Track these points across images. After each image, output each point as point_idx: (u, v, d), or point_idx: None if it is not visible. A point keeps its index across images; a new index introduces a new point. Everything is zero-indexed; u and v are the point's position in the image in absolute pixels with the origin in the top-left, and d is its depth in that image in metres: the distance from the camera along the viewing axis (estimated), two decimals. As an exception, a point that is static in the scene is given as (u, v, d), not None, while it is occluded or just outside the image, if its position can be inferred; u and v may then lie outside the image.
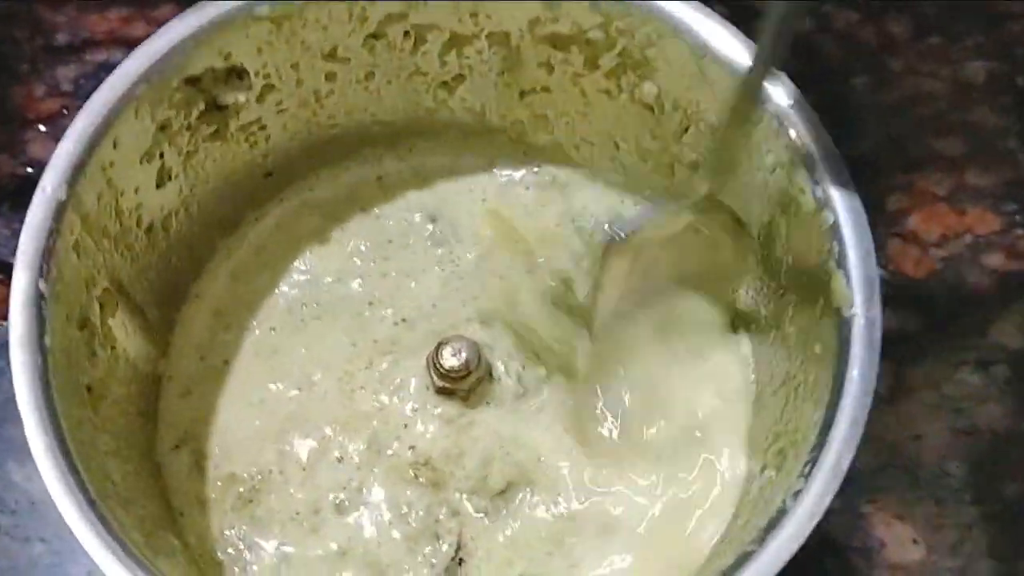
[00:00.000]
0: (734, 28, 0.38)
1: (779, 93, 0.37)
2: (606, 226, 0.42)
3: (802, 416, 0.36)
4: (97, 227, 0.37)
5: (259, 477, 0.41)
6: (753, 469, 0.40)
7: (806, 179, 0.37)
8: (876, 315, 0.35)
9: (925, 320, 0.47)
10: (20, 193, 0.47)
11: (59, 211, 0.35)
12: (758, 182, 0.39)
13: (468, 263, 0.45)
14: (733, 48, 0.38)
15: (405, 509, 0.40)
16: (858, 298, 0.35)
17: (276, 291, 0.44)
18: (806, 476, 0.33)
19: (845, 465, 0.33)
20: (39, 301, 0.34)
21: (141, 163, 0.39)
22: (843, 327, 0.35)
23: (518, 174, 0.47)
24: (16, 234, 0.45)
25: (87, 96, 0.47)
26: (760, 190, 0.39)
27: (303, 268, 0.45)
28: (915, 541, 0.45)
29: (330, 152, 0.46)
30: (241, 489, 0.41)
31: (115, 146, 0.37)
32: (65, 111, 0.50)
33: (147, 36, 0.37)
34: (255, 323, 0.44)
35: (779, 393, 0.40)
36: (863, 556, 0.45)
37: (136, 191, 0.39)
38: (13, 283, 0.34)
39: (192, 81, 0.39)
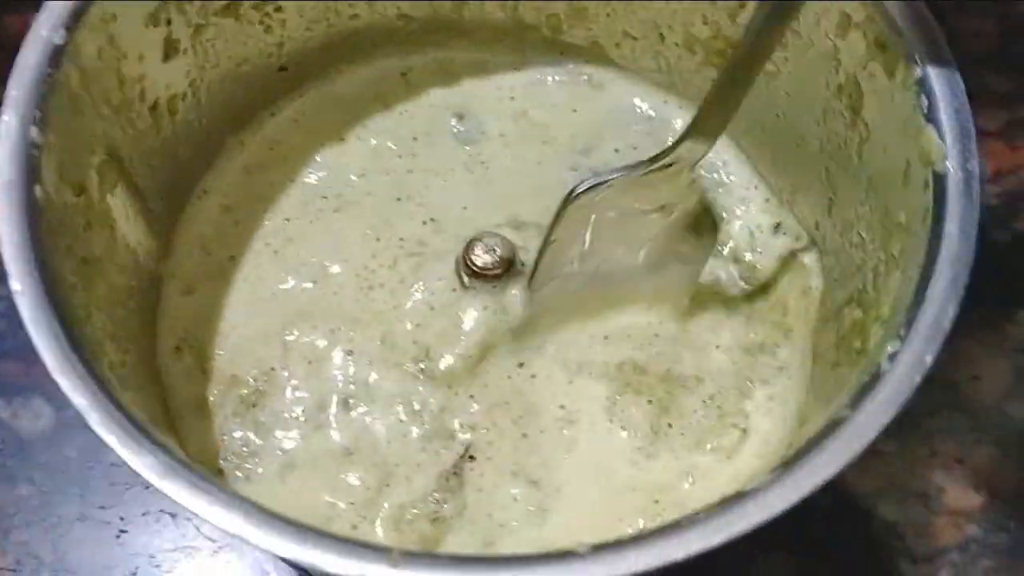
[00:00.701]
0: None
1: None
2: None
3: (887, 291, 0.32)
4: (97, 87, 0.33)
5: (263, 379, 0.37)
6: (821, 369, 0.36)
7: (888, 31, 0.33)
8: (974, 168, 0.31)
9: (981, 258, 0.44)
10: None
11: (55, 56, 0.31)
12: (820, 50, 0.36)
13: (498, 164, 0.41)
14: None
15: (417, 406, 0.36)
16: (953, 151, 0.31)
17: (292, 183, 0.40)
18: (902, 338, 0.29)
19: (947, 325, 0.29)
20: (30, 148, 0.30)
21: (146, 26, 0.35)
22: (937, 183, 0.31)
23: (551, 74, 0.43)
24: None
25: None
26: (824, 58, 0.36)
27: (323, 162, 0.41)
28: (976, 488, 0.42)
29: (349, 47, 0.42)
30: (244, 391, 0.37)
31: (117, -6, 0.33)
32: None
33: None
34: (267, 216, 0.40)
35: (849, 284, 0.36)
36: (923, 502, 0.42)
37: (140, 59, 0.35)
38: (2, 126, 0.30)
39: (203, -64, 0.35)
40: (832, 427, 0.28)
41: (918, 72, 0.32)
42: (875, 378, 0.29)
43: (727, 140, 0.42)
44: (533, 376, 0.37)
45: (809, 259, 0.39)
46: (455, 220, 0.40)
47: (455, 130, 0.42)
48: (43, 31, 0.31)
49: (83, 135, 0.33)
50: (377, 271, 0.39)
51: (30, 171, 0.30)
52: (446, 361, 0.37)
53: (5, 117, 0.30)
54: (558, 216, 0.36)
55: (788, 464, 0.27)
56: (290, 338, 0.38)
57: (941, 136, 0.31)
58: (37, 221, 0.29)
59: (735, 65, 0.32)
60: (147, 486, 0.26)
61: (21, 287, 0.28)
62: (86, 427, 0.26)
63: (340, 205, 0.40)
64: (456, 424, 0.36)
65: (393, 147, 0.42)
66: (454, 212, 0.40)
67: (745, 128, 0.41)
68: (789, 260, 0.39)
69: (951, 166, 0.31)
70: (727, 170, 0.42)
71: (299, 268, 0.39)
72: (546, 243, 0.37)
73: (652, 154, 0.36)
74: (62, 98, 0.32)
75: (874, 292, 0.33)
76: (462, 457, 0.36)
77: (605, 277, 0.38)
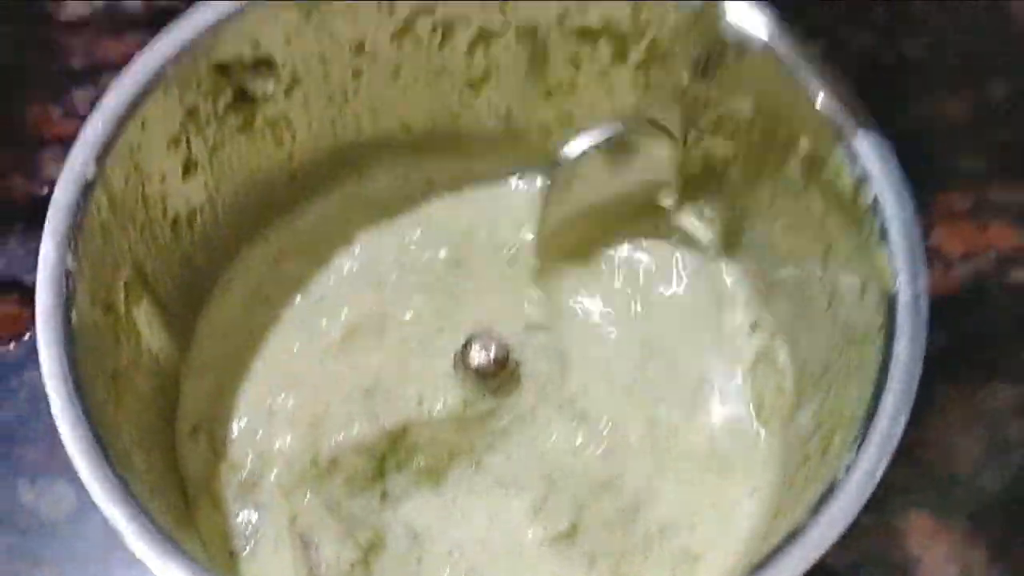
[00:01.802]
0: (771, 11, 0.37)
1: (814, 74, 0.37)
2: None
3: (847, 398, 0.35)
4: (124, 211, 0.36)
5: (257, 459, 0.40)
6: (793, 462, 0.39)
7: (844, 155, 0.36)
8: (922, 289, 0.34)
9: (953, 335, 0.47)
10: (35, 213, 0.45)
11: (87, 188, 0.34)
12: (791, 172, 0.39)
13: (497, 273, 0.44)
14: (768, 31, 0.37)
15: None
16: (903, 273, 0.34)
17: (323, 270, 0.44)
18: (857, 449, 0.32)
19: (897, 435, 0.32)
20: (66, 277, 0.33)
21: (168, 148, 0.38)
22: (888, 304, 0.34)
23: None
24: (31, 253, 0.44)
25: None
26: (792, 176, 0.39)
27: (358, 253, 0.44)
28: (952, 559, 0.44)
29: (355, 157, 0.45)
30: (243, 474, 0.40)
31: (143, 127, 0.36)
32: None
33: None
34: (297, 297, 0.43)
35: (819, 384, 0.39)
36: (901, 572, 0.44)
37: (162, 179, 0.38)
38: (41, 257, 0.33)
39: (221, 68, 0.38)
40: (791, 537, 0.31)
41: (871, 194, 0.35)
42: (832, 488, 0.32)
43: (718, 239, 0.45)
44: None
45: (783, 359, 0.42)
46: (468, 320, 0.43)
47: (456, 240, 0.45)
48: (77, 166, 0.34)
49: (111, 256, 0.36)
50: (384, 349, 0.42)
51: (68, 297, 0.33)
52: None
53: (44, 247, 0.33)
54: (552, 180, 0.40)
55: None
56: (275, 404, 0.41)
57: (892, 257, 0.34)
58: (73, 344, 0.32)
59: None
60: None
61: (61, 412, 0.31)
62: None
63: (373, 287, 0.43)
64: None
65: (419, 247, 0.44)
66: (469, 312, 0.43)
67: (727, 227, 0.44)
68: (765, 357, 0.42)
69: (901, 286, 0.34)
70: (719, 268, 0.44)
71: (309, 340, 0.42)
72: (545, 204, 0.41)
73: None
74: (93, 225, 0.35)
75: (836, 399, 0.36)
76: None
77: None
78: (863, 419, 0.33)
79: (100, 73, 0.50)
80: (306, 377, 0.42)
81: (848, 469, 0.32)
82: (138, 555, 0.29)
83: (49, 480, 0.44)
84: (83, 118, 0.48)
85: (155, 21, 0.50)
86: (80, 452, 0.30)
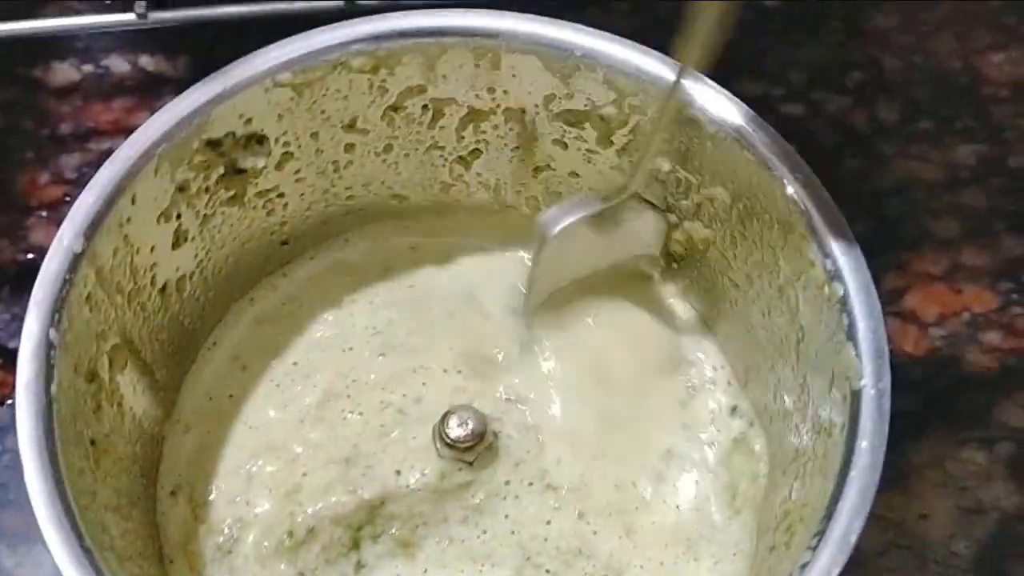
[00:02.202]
0: (748, 109, 0.38)
1: (787, 169, 0.37)
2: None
3: (812, 490, 0.36)
4: (111, 282, 0.37)
5: (237, 525, 0.41)
6: (762, 549, 0.39)
7: (816, 251, 0.37)
8: (886, 387, 0.35)
9: (926, 399, 0.47)
10: (20, 279, 0.48)
11: (74, 262, 0.35)
12: (767, 260, 0.40)
13: (476, 342, 0.45)
14: (746, 122, 0.38)
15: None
16: (867, 370, 0.35)
17: (301, 337, 0.45)
18: (813, 548, 0.32)
19: (853, 538, 0.32)
20: (48, 350, 0.34)
21: (158, 222, 0.39)
22: (853, 399, 0.35)
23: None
24: (16, 319, 0.46)
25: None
26: (767, 262, 0.39)
27: (333, 320, 0.45)
28: None
29: (346, 224, 0.46)
30: (220, 539, 0.40)
31: (133, 202, 0.37)
32: (68, 198, 0.50)
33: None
34: (275, 361, 0.44)
35: (789, 471, 0.39)
36: None
37: (152, 250, 0.39)
38: (24, 329, 0.34)
39: (213, 144, 0.39)
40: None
41: (840, 291, 0.36)
42: (787, 587, 0.32)
43: (699, 318, 0.45)
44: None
45: (759, 446, 0.42)
46: (446, 390, 0.43)
47: (446, 305, 0.45)
48: (65, 241, 0.35)
49: (97, 326, 0.37)
50: (363, 417, 0.43)
51: (48, 370, 0.34)
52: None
53: (28, 320, 0.34)
54: (538, 252, 0.41)
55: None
56: (254, 469, 0.41)
57: (858, 355, 0.35)
58: (51, 416, 0.33)
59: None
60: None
61: (37, 487, 0.32)
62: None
63: (347, 353, 0.44)
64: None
65: (398, 315, 0.45)
66: (447, 382, 0.43)
67: (707, 306, 0.45)
68: (741, 443, 0.43)
69: (866, 384, 0.35)
70: (699, 348, 0.45)
71: (287, 405, 0.43)
72: (532, 276, 0.42)
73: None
74: (79, 297, 0.36)
75: (802, 489, 0.37)
76: None
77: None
78: (823, 517, 0.33)
79: (88, 139, 0.51)
80: (285, 443, 0.42)
81: (804, 568, 0.32)
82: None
83: (29, 546, 0.44)
84: (71, 183, 0.50)
85: (144, 88, 0.52)
86: (49, 520, 0.31)
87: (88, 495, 0.34)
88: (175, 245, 0.41)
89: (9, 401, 0.46)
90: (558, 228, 0.41)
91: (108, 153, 0.48)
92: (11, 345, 0.47)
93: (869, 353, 0.35)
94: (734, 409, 0.44)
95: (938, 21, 0.54)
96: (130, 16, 0.48)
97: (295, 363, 0.44)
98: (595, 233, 0.42)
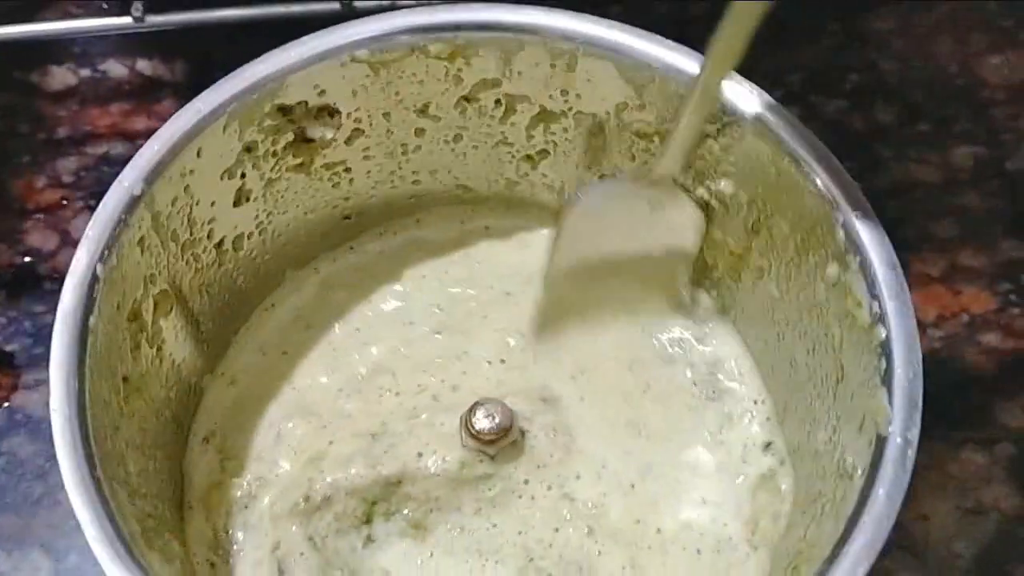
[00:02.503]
0: (809, 133, 0.38)
1: (846, 204, 0.37)
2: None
3: (823, 532, 0.35)
4: (167, 229, 0.39)
5: (256, 483, 0.41)
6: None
7: (864, 292, 0.36)
8: (914, 439, 0.33)
9: (925, 400, 0.45)
10: (17, 282, 0.49)
11: (131, 204, 0.37)
12: (818, 295, 0.39)
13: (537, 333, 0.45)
14: (815, 156, 0.37)
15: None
16: (897, 417, 0.34)
17: (367, 304, 0.46)
18: (811, 590, 0.31)
19: (856, 581, 0.31)
20: (93, 283, 0.35)
21: (222, 178, 0.40)
22: (878, 444, 0.34)
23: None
24: (12, 322, 0.47)
25: (87, 188, 0.50)
26: (817, 300, 0.39)
27: (402, 291, 0.46)
28: None
29: (410, 207, 0.47)
30: (238, 494, 0.41)
31: (199, 155, 0.38)
32: (64, 202, 0.50)
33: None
34: (337, 326, 0.45)
35: (808, 512, 0.38)
36: None
37: (212, 204, 0.41)
38: (73, 260, 0.35)
39: (284, 110, 0.40)
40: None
41: (883, 334, 0.35)
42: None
43: (744, 348, 0.45)
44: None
45: (785, 485, 0.41)
46: (486, 381, 0.44)
47: (500, 297, 0.46)
48: (125, 183, 0.37)
49: (146, 269, 0.38)
50: (399, 398, 0.43)
51: (89, 302, 0.35)
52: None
53: (78, 253, 0.35)
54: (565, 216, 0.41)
55: None
56: (285, 429, 0.42)
57: (891, 402, 0.34)
58: (84, 346, 0.34)
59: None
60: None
61: (58, 406, 0.33)
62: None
63: (406, 327, 0.45)
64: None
65: (462, 293, 0.46)
66: (486, 373, 0.44)
67: (754, 337, 0.44)
68: (769, 480, 0.42)
69: (893, 432, 0.33)
70: (741, 379, 0.44)
71: (336, 370, 0.44)
72: (555, 244, 0.41)
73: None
74: (132, 239, 0.37)
75: (816, 531, 0.36)
76: None
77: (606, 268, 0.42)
78: (826, 559, 0.32)
79: (85, 143, 0.52)
80: (319, 409, 0.43)
81: (797, 607, 0.31)
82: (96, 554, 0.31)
83: (25, 551, 0.44)
84: (68, 187, 0.50)
85: (142, 92, 0.53)
86: (64, 444, 0.32)
87: (111, 428, 0.35)
88: (236, 203, 0.42)
89: (6, 404, 0.46)
90: (587, 193, 0.41)
91: (105, 157, 0.51)
92: (7, 348, 0.47)
93: (902, 401, 0.34)
94: (768, 445, 0.43)
95: (935, 24, 0.55)
96: (127, 20, 0.48)
97: (357, 329, 0.45)
98: (628, 212, 0.41)
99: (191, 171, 0.39)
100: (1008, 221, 0.51)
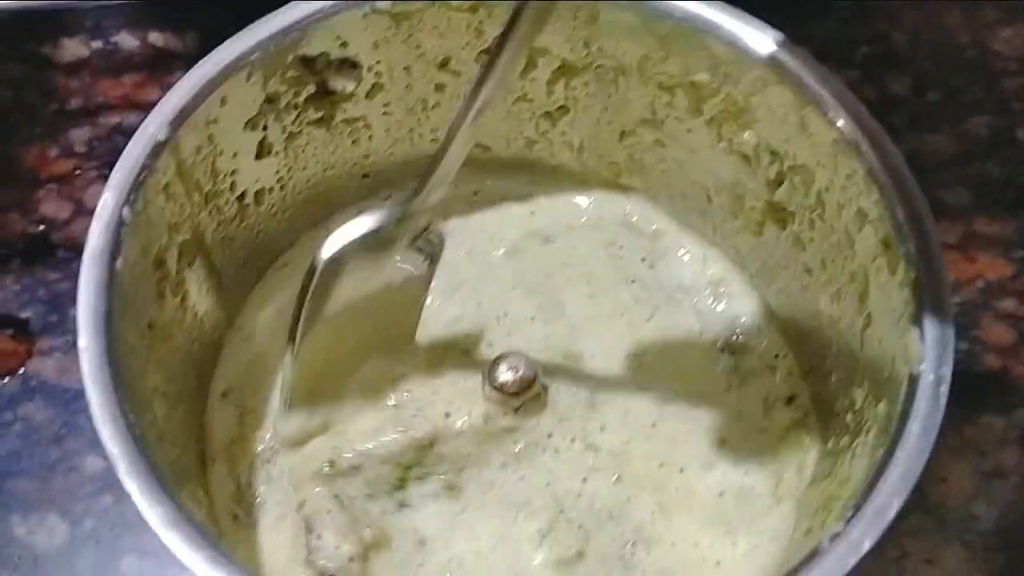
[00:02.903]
0: (839, 81, 0.38)
1: (869, 146, 0.37)
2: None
3: (855, 471, 0.35)
4: (191, 177, 0.38)
5: (277, 437, 0.41)
6: (799, 534, 0.38)
7: (892, 231, 0.36)
8: (945, 375, 0.33)
9: None
10: (30, 251, 0.49)
11: (156, 150, 0.37)
12: (843, 241, 0.39)
13: (553, 295, 0.45)
14: (837, 100, 0.37)
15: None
16: (930, 355, 0.34)
17: None
18: (847, 521, 0.31)
19: (889, 516, 0.31)
20: (119, 227, 0.35)
21: (245, 128, 0.40)
22: (910, 383, 0.34)
23: (607, 214, 0.47)
24: (26, 289, 0.47)
25: (100, 158, 0.50)
26: (842, 245, 0.39)
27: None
28: None
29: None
30: (261, 447, 0.41)
31: (222, 104, 0.38)
32: (77, 171, 0.50)
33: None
34: None
35: (837, 462, 0.38)
36: None
37: (235, 156, 0.40)
38: (99, 204, 0.35)
39: (306, 61, 0.40)
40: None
41: (913, 274, 0.35)
42: (812, 555, 0.31)
43: (762, 304, 0.45)
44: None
45: (809, 438, 0.41)
46: (507, 336, 0.44)
47: (512, 255, 0.46)
48: (150, 128, 0.37)
49: (171, 217, 0.38)
50: (420, 355, 0.43)
51: (115, 245, 0.35)
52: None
53: (105, 195, 0.35)
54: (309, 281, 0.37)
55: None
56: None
57: (922, 339, 0.34)
58: (112, 289, 0.34)
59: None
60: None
61: (86, 344, 0.33)
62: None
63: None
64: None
65: (480, 248, 0.46)
66: (508, 328, 0.44)
67: (776, 291, 0.44)
68: (793, 435, 0.42)
69: (925, 370, 0.33)
70: (759, 337, 0.44)
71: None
72: (301, 305, 0.38)
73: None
74: (157, 184, 0.37)
75: (848, 472, 0.36)
76: None
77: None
78: (862, 492, 0.32)
79: (98, 113, 0.52)
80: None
81: (833, 539, 0.31)
82: (127, 488, 0.31)
83: (42, 514, 0.43)
84: (80, 156, 0.50)
85: (154, 63, 0.53)
86: (95, 384, 0.32)
87: (138, 373, 0.35)
88: (258, 156, 0.41)
89: (20, 370, 0.46)
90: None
91: (118, 127, 0.51)
92: (22, 315, 0.47)
93: (933, 338, 0.34)
94: (791, 399, 0.42)
95: (946, -4, 0.55)
96: (139, -9, 0.47)
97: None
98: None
99: (215, 119, 0.38)
100: (1021, 189, 0.51)
